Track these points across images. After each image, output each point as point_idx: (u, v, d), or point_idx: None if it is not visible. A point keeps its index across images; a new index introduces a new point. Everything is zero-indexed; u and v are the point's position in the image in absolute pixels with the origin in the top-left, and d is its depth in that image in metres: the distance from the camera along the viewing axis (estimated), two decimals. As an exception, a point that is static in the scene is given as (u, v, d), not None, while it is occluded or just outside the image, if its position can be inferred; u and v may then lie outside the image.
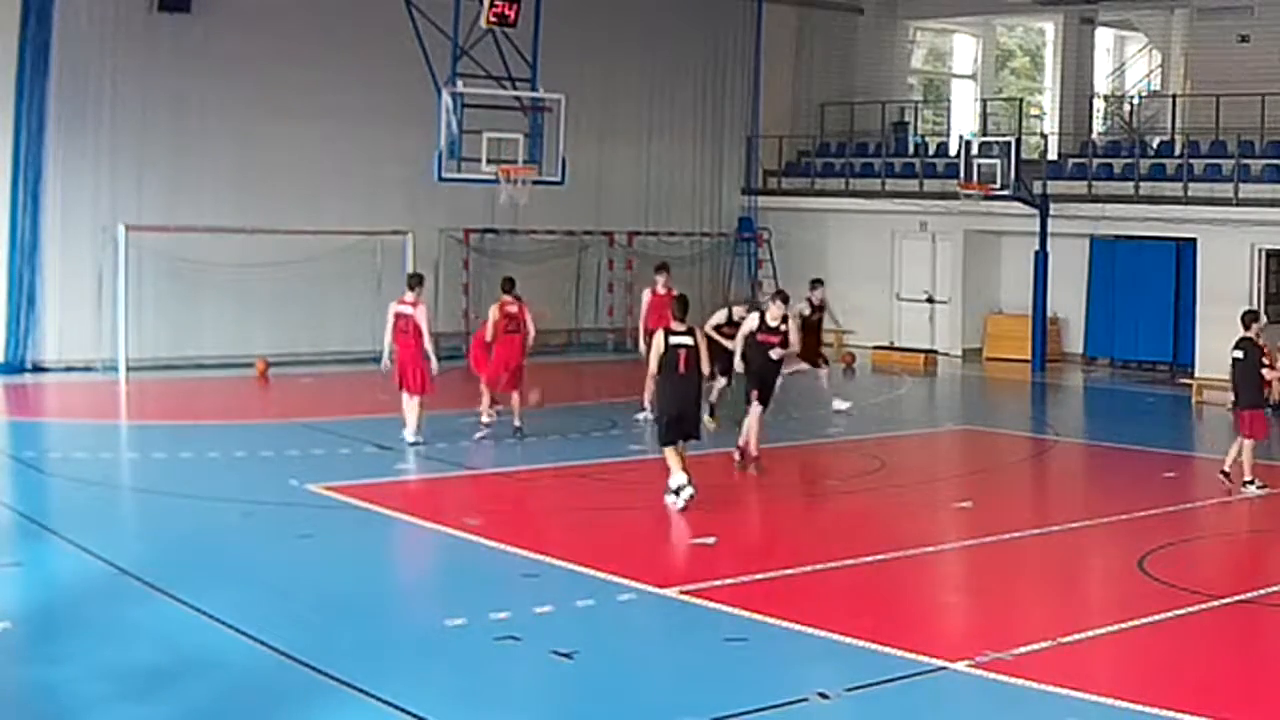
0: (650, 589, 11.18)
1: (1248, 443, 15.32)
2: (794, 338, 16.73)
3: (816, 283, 22.01)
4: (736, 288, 32.27)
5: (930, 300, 30.39)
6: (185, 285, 25.08)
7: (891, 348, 29.39)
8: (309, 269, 25.88)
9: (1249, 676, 9.40)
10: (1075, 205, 27.55)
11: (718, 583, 11.35)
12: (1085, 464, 18.88)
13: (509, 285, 18.36)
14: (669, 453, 14.10)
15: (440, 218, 27.30)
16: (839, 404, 20.82)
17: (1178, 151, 27.31)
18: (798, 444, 19.36)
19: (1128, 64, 36.45)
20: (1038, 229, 27.61)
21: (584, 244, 29.99)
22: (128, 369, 23.54)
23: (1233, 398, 15.74)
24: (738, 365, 16.79)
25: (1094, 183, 27.74)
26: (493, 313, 18.10)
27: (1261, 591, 11.27)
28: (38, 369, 23.94)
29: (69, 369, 23.97)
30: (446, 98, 22.29)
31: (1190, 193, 25.90)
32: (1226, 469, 15.44)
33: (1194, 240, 26.01)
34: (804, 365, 20.43)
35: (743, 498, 15.70)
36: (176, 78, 25.01)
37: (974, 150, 26.87)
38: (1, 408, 21.43)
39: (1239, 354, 15.56)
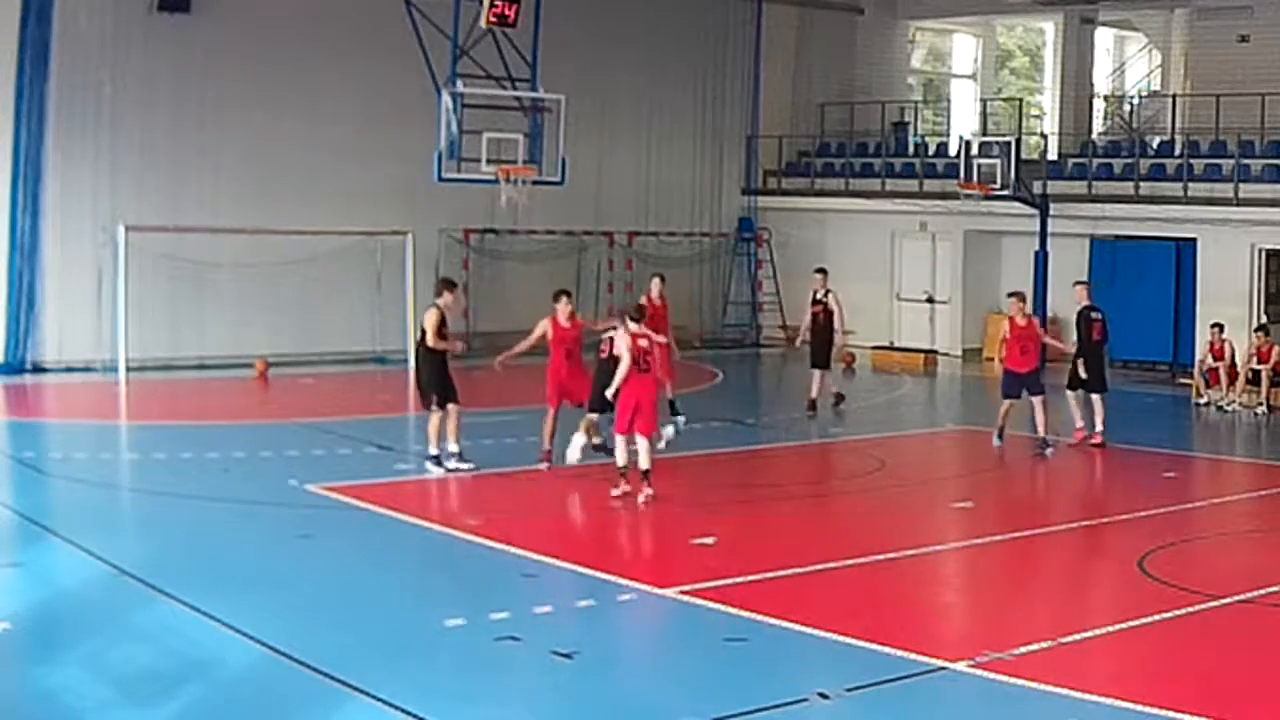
0: (650, 589, 11.18)
1: None
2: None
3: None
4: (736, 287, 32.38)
5: (930, 300, 30.38)
6: (185, 285, 25.11)
7: (891, 348, 29.40)
8: (309, 269, 25.90)
9: (1249, 676, 9.40)
10: (1075, 205, 27.55)
11: (718, 583, 11.35)
12: (1085, 464, 18.87)
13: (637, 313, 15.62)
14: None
15: (440, 218, 27.30)
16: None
17: (1178, 151, 27.32)
18: (798, 444, 19.38)
19: (1128, 64, 36.46)
20: (1038, 229, 27.62)
21: (584, 244, 29.99)
22: (128, 369, 23.56)
23: None
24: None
25: (1094, 183, 27.76)
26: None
27: (1261, 591, 11.26)
28: (38, 369, 23.97)
29: (69, 369, 23.99)
30: (446, 98, 22.30)
31: (1190, 193, 25.92)
32: None
33: (1194, 240, 26.02)
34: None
35: (742, 498, 15.70)
36: (176, 78, 25.04)
37: (974, 150, 26.88)
38: (1, 408, 21.44)
39: None
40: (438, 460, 16.03)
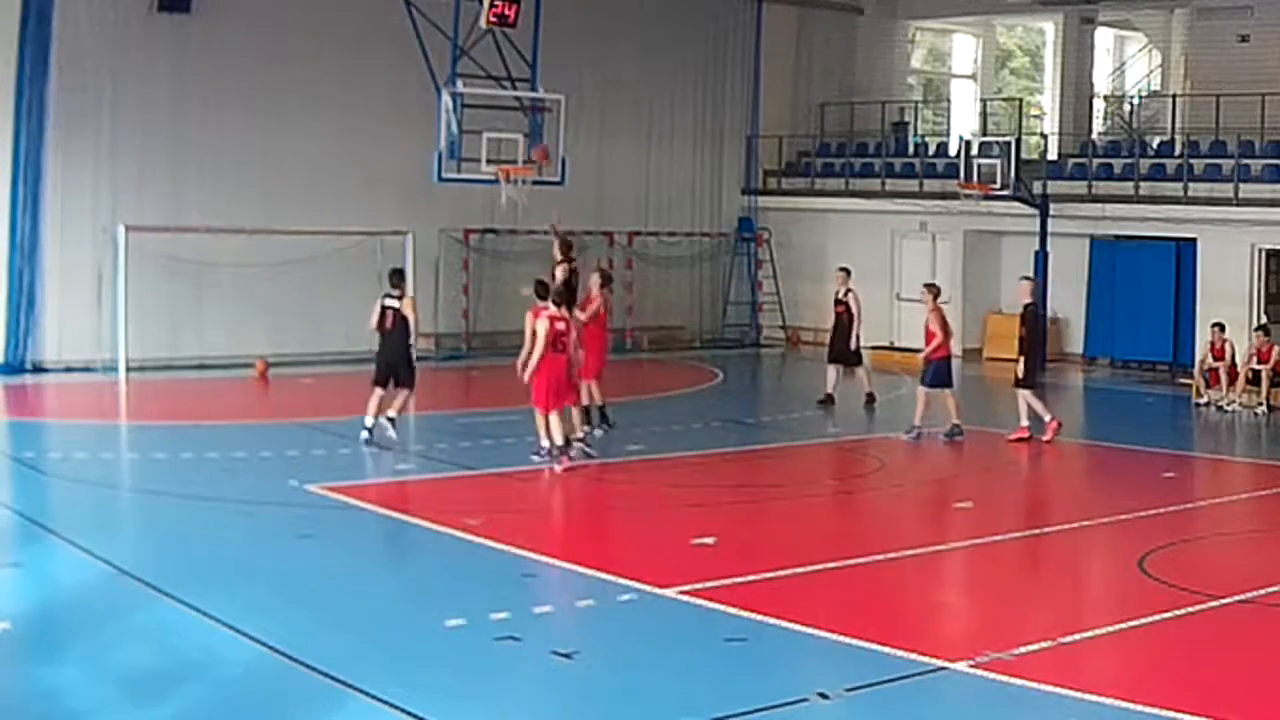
0: (650, 589, 11.18)
1: None
2: None
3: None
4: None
5: (930, 300, 30.35)
6: (185, 285, 25.09)
7: (891, 348, 29.37)
8: (309, 269, 25.88)
9: (1249, 676, 9.40)
10: (1075, 205, 27.56)
11: (718, 583, 11.35)
12: (1085, 464, 18.88)
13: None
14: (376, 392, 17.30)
15: (440, 218, 27.30)
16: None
17: (1178, 151, 27.32)
18: (798, 444, 19.38)
19: (1128, 64, 36.45)
20: (1038, 229, 27.61)
21: (584, 244, 29.92)
22: (128, 369, 23.55)
23: None
24: None
25: (1094, 183, 27.75)
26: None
27: (1261, 591, 11.27)
28: (38, 369, 23.94)
29: (69, 369, 23.97)
30: (446, 98, 22.29)
31: (1190, 193, 25.91)
32: None
33: (1194, 240, 26.03)
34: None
35: (742, 498, 15.70)
36: (176, 78, 25.02)
37: (974, 150, 26.88)
38: (1, 408, 21.43)
39: None
40: (392, 422, 17.33)
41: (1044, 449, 18.53)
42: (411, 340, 17.53)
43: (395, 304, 17.31)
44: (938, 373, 19.10)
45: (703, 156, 32.16)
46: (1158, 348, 26.95)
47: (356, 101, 26.51)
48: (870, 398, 21.93)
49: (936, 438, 18.83)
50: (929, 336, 19.14)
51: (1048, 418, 18.75)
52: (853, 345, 22.06)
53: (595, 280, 18.87)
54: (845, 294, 22.25)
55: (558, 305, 16.12)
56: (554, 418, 15.98)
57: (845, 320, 22.10)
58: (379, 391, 17.34)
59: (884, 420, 21.42)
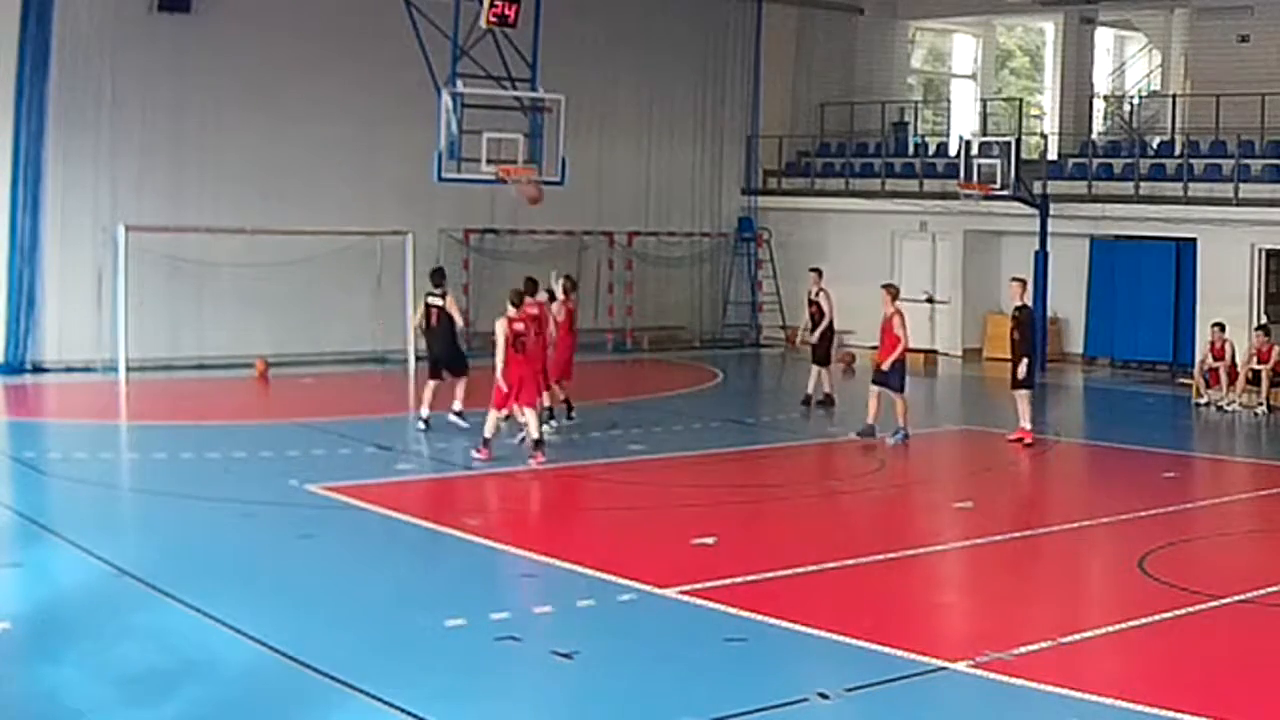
0: (650, 589, 11.18)
1: None
2: None
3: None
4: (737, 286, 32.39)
5: (930, 300, 30.38)
6: (185, 285, 25.11)
7: (891, 348, 29.37)
8: (309, 269, 25.89)
9: (1249, 676, 9.40)
10: (1075, 205, 27.56)
11: (718, 583, 11.35)
12: (1085, 464, 18.88)
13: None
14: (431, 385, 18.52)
15: (440, 218, 27.31)
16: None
17: (1178, 151, 27.32)
18: (798, 444, 19.38)
19: (1128, 64, 36.46)
20: (1038, 229, 27.62)
21: (584, 244, 29.97)
22: (128, 369, 23.56)
23: None
24: None
25: (1094, 183, 27.75)
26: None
27: (1261, 591, 11.27)
28: (38, 369, 23.96)
29: (69, 369, 23.98)
30: (446, 98, 22.27)
31: (1190, 193, 25.91)
32: None
33: (1194, 240, 26.03)
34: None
35: (742, 498, 15.71)
36: (176, 78, 25.03)
37: (974, 150, 26.87)
38: (1, 408, 21.44)
39: None
40: (460, 415, 18.35)
41: (1045, 450, 18.53)
42: (458, 330, 18.91)
43: (439, 301, 18.60)
44: (898, 374, 18.63)
45: (703, 156, 32.16)
46: (1158, 348, 26.95)
47: (356, 101, 26.52)
48: (807, 399, 21.85)
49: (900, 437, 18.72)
50: (892, 340, 18.54)
51: (1027, 425, 18.66)
52: (814, 339, 22.08)
53: (559, 287, 19.18)
54: (817, 293, 22.29)
55: (515, 306, 16.66)
56: (494, 414, 16.59)
57: (818, 319, 22.15)
58: (433, 384, 18.51)
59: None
